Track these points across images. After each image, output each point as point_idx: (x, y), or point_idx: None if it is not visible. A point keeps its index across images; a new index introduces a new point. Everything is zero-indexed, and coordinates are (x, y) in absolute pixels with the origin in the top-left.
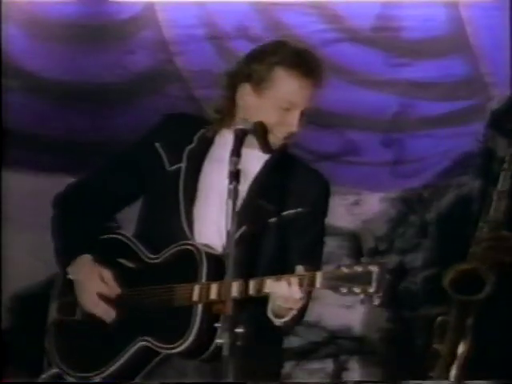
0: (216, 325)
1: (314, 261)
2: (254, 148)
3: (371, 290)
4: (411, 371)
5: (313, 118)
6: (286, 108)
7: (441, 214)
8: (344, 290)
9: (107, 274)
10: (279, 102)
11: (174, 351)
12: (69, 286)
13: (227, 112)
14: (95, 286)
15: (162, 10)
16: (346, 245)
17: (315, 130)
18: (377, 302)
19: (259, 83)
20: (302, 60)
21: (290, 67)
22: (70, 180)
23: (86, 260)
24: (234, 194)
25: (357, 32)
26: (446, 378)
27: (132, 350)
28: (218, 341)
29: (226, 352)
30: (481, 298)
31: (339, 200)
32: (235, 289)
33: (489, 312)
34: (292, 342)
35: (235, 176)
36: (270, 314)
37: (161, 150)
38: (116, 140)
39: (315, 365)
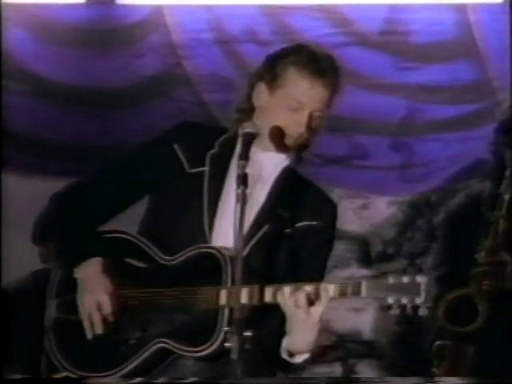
0: (224, 328)
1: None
2: (269, 151)
3: (419, 301)
4: (419, 375)
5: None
6: (295, 108)
7: (450, 215)
8: (390, 301)
9: (111, 288)
10: (288, 101)
11: (199, 354)
12: (69, 284)
13: (246, 112)
14: (97, 296)
15: (171, 13)
16: (354, 248)
17: (323, 133)
18: (423, 312)
19: (273, 82)
20: (314, 60)
21: (301, 66)
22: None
23: (96, 264)
24: (241, 198)
25: (365, 36)
26: None
27: (149, 351)
28: (227, 344)
29: (234, 355)
30: (475, 328)
31: (347, 204)
32: (268, 294)
33: (485, 340)
34: None
35: (243, 180)
36: (284, 354)
37: (179, 152)
38: (124, 144)
39: (323, 368)
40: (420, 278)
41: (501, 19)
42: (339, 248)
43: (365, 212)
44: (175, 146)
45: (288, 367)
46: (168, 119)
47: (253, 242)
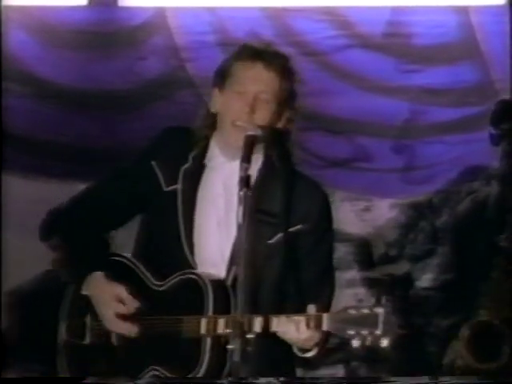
0: (227, 330)
1: (323, 290)
2: (237, 160)
3: (378, 332)
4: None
5: (323, 123)
6: (240, 92)
7: (456, 221)
8: (351, 332)
9: (122, 290)
10: (234, 87)
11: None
12: (77, 307)
13: (208, 126)
14: (111, 306)
15: (173, 16)
16: (356, 251)
17: (326, 135)
18: (385, 343)
19: (223, 82)
20: (253, 48)
21: (243, 57)
22: (82, 186)
23: (98, 277)
24: (244, 200)
25: (368, 38)
26: None
27: (143, 378)
28: (229, 346)
29: (236, 358)
30: (499, 366)
31: (350, 206)
32: (245, 324)
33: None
34: None
35: (246, 182)
36: (294, 349)
37: (157, 170)
38: (128, 146)
39: (326, 371)
40: (378, 309)
41: (503, 21)
42: (341, 250)
43: (367, 214)
44: (153, 163)
45: (305, 362)
46: (171, 121)
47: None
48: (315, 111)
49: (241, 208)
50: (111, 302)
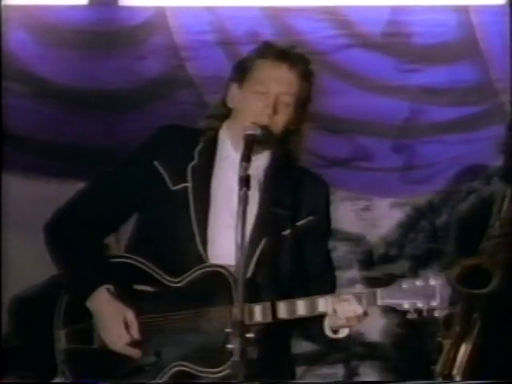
0: (226, 330)
1: (331, 273)
2: (254, 154)
3: (435, 303)
4: (421, 376)
5: (323, 123)
6: (261, 91)
7: (461, 217)
8: (406, 306)
9: (131, 316)
10: (255, 87)
11: (219, 375)
12: (76, 313)
13: (220, 117)
14: (118, 330)
15: (173, 15)
16: (357, 250)
17: (326, 135)
18: (438, 314)
19: (243, 78)
20: (278, 47)
21: (266, 56)
22: (82, 186)
23: (105, 294)
24: (244, 199)
25: (367, 38)
26: (449, 373)
27: (167, 375)
28: (229, 346)
29: (236, 357)
30: (487, 293)
31: (349, 205)
32: (283, 310)
33: (496, 307)
34: (303, 347)
35: (245, 182)
36: (327, 331)
37: (161, 169)
38: (127, 146)
39: (326, 370)
40: (433, 281)
41: (503, 20)
42: (341, 249)
43: (367, 214)
44: (156, 163)
45: (333, 342)
46: (171, 121)
47: (255, 256)
48: (315, 111)
49: (241, 207)
50: (118, 324)
